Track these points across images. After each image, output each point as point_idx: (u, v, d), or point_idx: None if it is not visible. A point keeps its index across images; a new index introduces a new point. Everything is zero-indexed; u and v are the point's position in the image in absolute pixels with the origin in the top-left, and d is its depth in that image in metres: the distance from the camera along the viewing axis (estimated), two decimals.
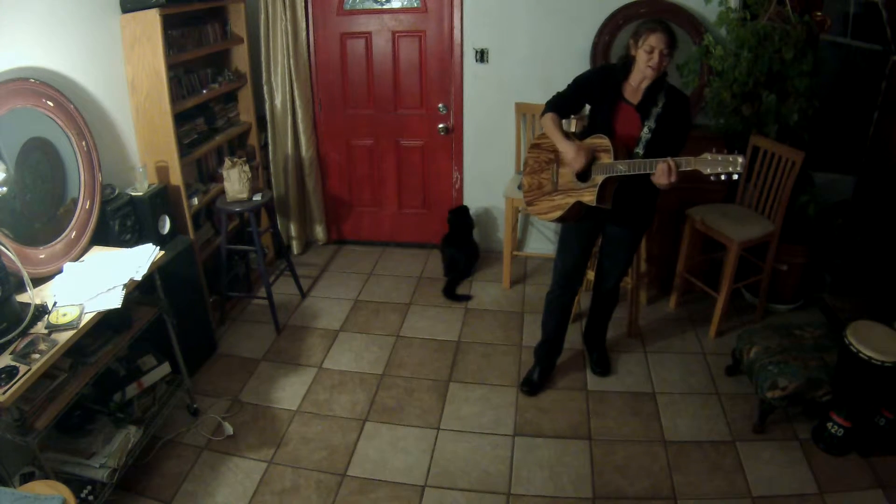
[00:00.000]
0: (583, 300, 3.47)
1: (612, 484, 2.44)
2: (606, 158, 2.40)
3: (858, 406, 2.46)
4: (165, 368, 2.66)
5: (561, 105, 2.58)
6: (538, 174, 2.70)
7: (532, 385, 2.94)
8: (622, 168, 2.36)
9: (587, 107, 2.72)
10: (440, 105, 3.96)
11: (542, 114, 2.59)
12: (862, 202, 3.58)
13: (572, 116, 3.07)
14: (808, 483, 2.40)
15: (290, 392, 2.98)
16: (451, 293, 3.78)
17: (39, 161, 2.33)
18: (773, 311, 3.52)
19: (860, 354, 2.35)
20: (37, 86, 2.28)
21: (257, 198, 3.31)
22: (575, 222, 2.66)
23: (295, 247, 4.30)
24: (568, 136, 2.51)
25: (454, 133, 4.03)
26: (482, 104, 3.89)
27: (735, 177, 2.21)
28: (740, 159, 2.17)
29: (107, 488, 2.24)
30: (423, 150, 4.13)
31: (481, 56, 3.79)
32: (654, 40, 2.31)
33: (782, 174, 3.08)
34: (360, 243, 4.47)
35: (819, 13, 3.19)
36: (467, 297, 3.76)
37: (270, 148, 4.03)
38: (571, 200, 2.52)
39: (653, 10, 3.48)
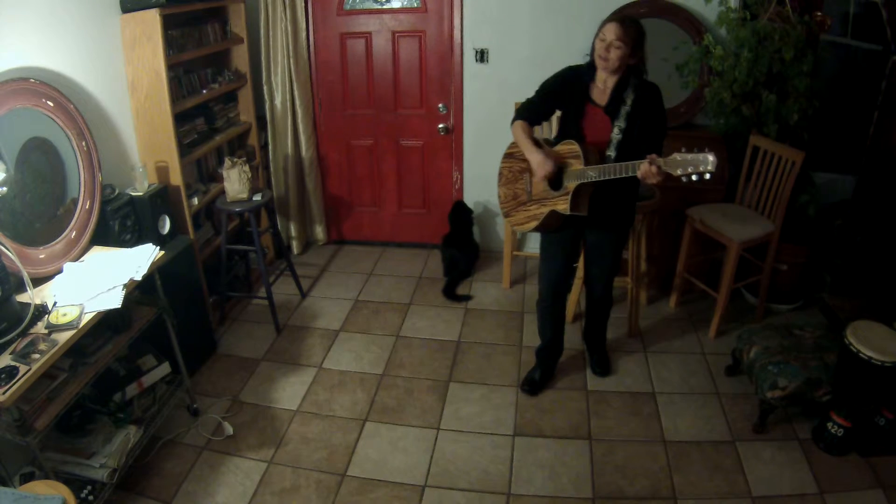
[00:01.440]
0: (581, 299, 3.46)
1: (612, 484, 2.44)
2: (577, 165, 2.33)
3: (858, 406, 2.46)
4: (165, 368, 2.66)
5: (530, 112, 2.52)
6: (513, 184, 2.65)
7: (533, 385, 2.94)
8: (592, 174, 2.29)
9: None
10: (440, 105, 3.96)
11: (512, 122, 2.53)
12: (862, 202, 3.58)
13: (553, 120, 3.01)
14: (808, 483, 2.40)
15: (290, 392, 2.98)
16: (451, 293, 3.78)
17: (39, 161, 2.33)
18: (773, 311, 3.52)
19: (860, 354, 2.35)
20: (37, 86, 2.28)
21: (257, 198, 3.31)
22: (555, 231, 2.60)
23: (295, 247, 4.30)
24: (538, 143, 2.44)
25: (454, 133, 4.03)
26: (482, 104, 3.89)
27: (707, 176, 2.08)
28: (710, 157, 2.05)
29: (107, 488, 2.24)
30: (423, 150, 4.13)
31: (481, 56, 3.79)
32: (606, 30, 2.25)
33: (782, 174, 3.08)
34: (360, 243, 4.47)
35: (819, 13, 3.19)
36: (467, 298, 3.76)
37: (270, 148, 4.03)
38: (546, 210, 2.47)
39: (653, 10, 3.48)
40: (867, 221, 3.42)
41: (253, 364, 3.19)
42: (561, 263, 2.72)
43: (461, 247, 3.94)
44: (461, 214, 3.95)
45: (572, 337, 3.25)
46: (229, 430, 2.73)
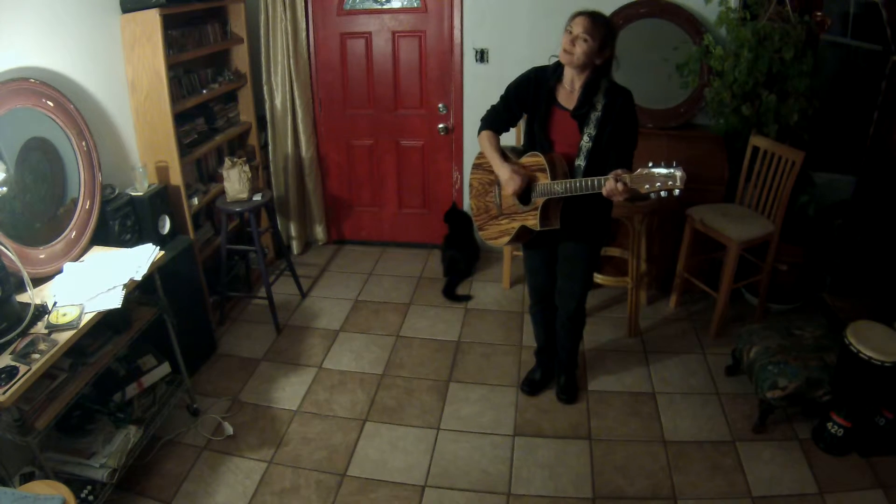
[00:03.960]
0: None
1: (612, 484, 2.44)
2: (543, 178, 2.23)
3: (858, 406, 2.46)
4: (165, 368, 2.66)
5: (495, 120, 2.42)
6: (483, 197, 2.56)
7: (533, 385, 2.93)
8: (559, 189, 2.19)
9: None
10: (440, 105, 3.96)
11: (478, 132, 2.45)
12: (862, 202, 3.58)
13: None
14: (808, 483, 2.40)
15: (290, 392, 2.98)
16: (451, 293, 3.78)
17: (39, 161, 2.33)
18: (773, 311, 3.52)
19: (860, 354, 2.35)
20: (37, 86, 2.28)
21: (257, 198, 3.32)
22: (531, 242, 2.53)
23: (295, 247, 4.30)
24: (505, 155, 2.37)
25: (454, 133, 4.03)
26: (482, 104, 3.81)
27: (676, 192, 1.96)
28: (679, 173, 1.94)
29: (107, 488, 2.24)
30: (423, 150, 4.13)
31: (481, 56, 3.79)
32: (574, 23, 2.16)
33: (782, 174, 3.08)
34: (360, 243, 4.47)
35: (819, 13, 3.19)
36: (467, 298, 3.76)
37: (270, 148, 4.03)
38: (517, 225, 2.38)
39: (653, 10, 3.48)
40: (867, 221, 3.42)
41: (253, 364, 3.19)
42: (543, 275, 2.65)
43: (461, 247, 3.94)
44: (456, 216, 3.95)
45: None
46: (229, 430, 2.73)
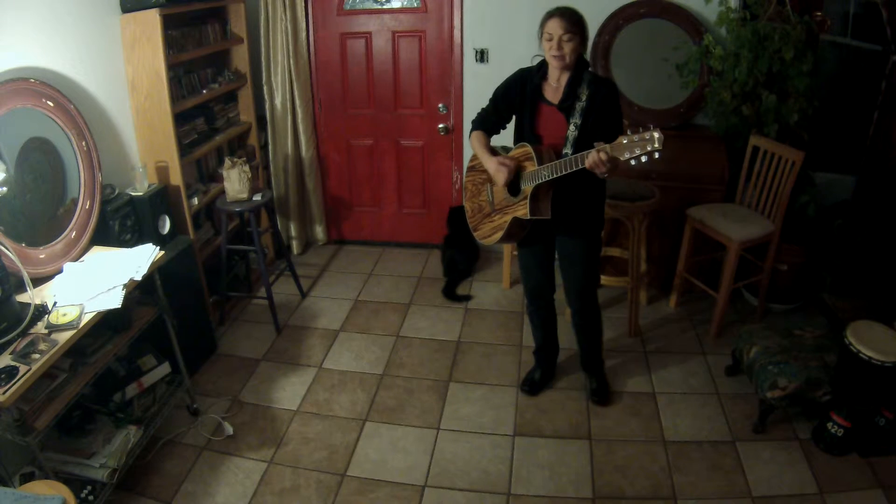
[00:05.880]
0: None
1: (612, 484, 2.44)
2: (531, 166, 2.26)
3: (858, 406, 2.46)
4: (165, 368, 2.67)
5: (485, 122, 2.48)
6: (476, 197, 2.60)
7: (533, 385, 2.93)
8: (546, 173, 2.21)
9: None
10: (440, 105, 3.96)
11: (469, 134, 2.50)
12: (862, 202, 3.58)
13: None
14: (808, 483, 2.40)
15: (290, 392, 2.98)
16: (450, 293, 3.78)
17: (39, 161, 2.33)
18: (773, 311, 3.52)
19: (860, 354, 2.35)
20: (37, 86, 2.28)
21: (257, 198, 3.32)
22: (525, 240, 2.55)
23: (295, 247, 4.30)
24: (495, 151, 2.41)
25: (454, 133, 4.03)
26: (482, 104, 3.84)
27: (656, 155, 1.94)
28: (657, 134, 1.92)
29: (107, 488, 2.24)
30: (423, 150, 4.13)
31: (481, 56, 3.79)
32: (551, 27, 2.18)
33: (782, 174, 3.08)
34: (360, 243, 4.47)
35: (819, 13, 3.19)
36: (467, 298, 3.76)
37: (270, 148, 4.03)
38: (508, 218, 2.40)
39: (653, 10, 3.48)
40: (867, 221, 3.42)
41: (253, 364, 3.19)
42: (537, 274, 2.67)
43: (461, 247, 3.94)
44: (456, 216, 3.95)
45: (571, 337, 3.24)
46: (229, 430, 2.73)
